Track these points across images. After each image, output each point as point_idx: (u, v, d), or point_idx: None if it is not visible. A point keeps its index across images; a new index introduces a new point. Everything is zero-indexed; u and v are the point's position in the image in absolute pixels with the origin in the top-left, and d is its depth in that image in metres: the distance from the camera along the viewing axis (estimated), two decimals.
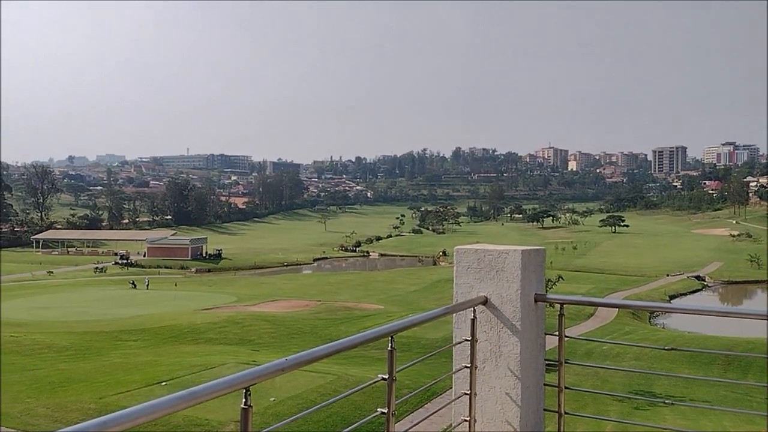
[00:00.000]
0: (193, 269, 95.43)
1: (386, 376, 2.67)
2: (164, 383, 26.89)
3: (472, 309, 3.45)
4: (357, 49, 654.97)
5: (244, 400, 1.96)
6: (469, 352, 3.46)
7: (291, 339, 40.60)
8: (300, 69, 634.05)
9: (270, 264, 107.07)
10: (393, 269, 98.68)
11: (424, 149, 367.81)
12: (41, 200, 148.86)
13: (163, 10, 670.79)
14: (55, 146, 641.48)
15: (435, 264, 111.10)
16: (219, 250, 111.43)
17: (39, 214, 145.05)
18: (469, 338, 3.44)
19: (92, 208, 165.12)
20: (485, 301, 3.48)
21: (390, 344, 2.66)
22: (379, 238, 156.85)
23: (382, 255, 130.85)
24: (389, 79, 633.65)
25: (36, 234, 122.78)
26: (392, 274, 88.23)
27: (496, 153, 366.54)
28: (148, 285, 68.66)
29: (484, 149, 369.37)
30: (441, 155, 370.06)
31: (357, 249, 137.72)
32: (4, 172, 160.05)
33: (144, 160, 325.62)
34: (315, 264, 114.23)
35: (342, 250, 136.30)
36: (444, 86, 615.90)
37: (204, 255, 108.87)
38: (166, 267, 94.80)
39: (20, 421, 21.98)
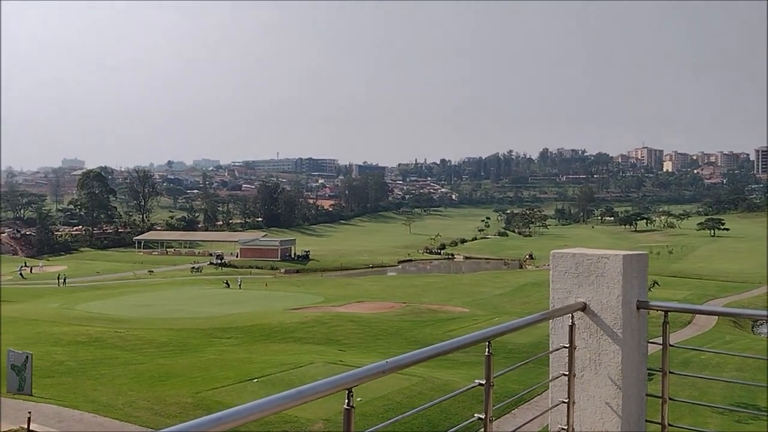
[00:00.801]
0: (283, 270, 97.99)
1: (483, 381, 2.64)
2: (256, 380, 27.76)
3: (570, 315, 3.36)
4: (440, 51, 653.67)
5: (346, 401, 2.00)
6: (566, 359, 3.37)
7: (376, 340, 40.94)
8: (385, 72, 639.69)
9: (356, 265, 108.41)
10: (478, 272, 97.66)
11: (510, 151, 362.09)
12: (143, 203, 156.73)
13: (255, 17, 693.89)
14: (156, 152, 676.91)
15: (521, 267, 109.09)
16: (307, 252, 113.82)
17: (141, 216, 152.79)
18: (567, 345, 3.36)
19: (189, 210, 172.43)
20: (584, 307, 3.39)
21: (487, 349, 2.64)
22: (463, 241, 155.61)
23: (467, 258, 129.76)
24: (473, 80, 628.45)
25: (138, 235, 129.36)
26: (477, 276, 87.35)
27: (585, 154, 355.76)
28: (240, 285, 71.09)
29: (573, 150, 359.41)
30: (527, 157, 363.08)
31: (442, 251, 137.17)
32: (109, 177, 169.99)
33: (237, 164, 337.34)
34: (400, 266, 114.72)
35: (426, 252, 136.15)
36: (531, 86, 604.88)
37: (292, 256, 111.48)
38: (257, 267, 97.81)
39: (123, 412, 23.26)
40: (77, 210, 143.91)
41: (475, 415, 2.66)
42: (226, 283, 72.52)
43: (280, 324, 44.34)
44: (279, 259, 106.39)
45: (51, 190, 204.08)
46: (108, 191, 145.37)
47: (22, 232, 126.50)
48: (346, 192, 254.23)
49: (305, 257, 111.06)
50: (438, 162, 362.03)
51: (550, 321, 3.45)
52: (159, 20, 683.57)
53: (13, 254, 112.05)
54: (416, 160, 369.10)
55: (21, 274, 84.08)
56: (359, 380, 2.02)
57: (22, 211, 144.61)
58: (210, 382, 27.86)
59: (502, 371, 2.94)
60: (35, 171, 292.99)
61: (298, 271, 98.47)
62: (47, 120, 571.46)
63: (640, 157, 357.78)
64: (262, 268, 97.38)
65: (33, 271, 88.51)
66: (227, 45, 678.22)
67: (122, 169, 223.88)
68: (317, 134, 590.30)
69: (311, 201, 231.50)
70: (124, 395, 25.71)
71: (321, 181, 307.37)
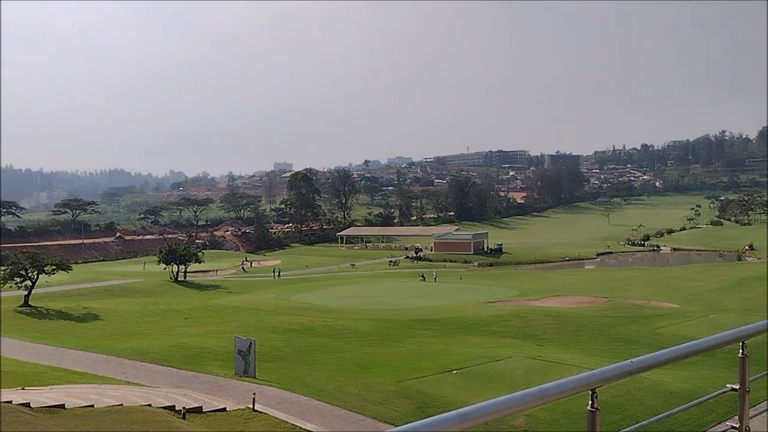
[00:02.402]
0: (476, 263, 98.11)
1: (737, 386, 2.40)
2: (455, 372, 28.14)
3: None
4: (645, 25, 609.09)
5: (590, 402, 1.94)
6: None
7: (577, 336, 39.40)
8: (573, 53, 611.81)
9: (551, 258, 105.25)
10: (687, 265, 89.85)
11: (723, 131, 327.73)
12: (344, 201, 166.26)
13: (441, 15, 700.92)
14: (354, 152, 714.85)
15: (740, 259, 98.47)
16: (499, 245, 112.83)
17: (342, 213, 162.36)
18: None
19: (385, 206, 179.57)
20: None
21: (741, 350, 2.40)
22: (670, 231, 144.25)
23: (674, 249, 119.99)
24: (673, 52, 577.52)
25: (340, 231, 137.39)
26: (687, 270, 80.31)
27: None
28: (435, 278, 72.51)
29: None
30: (744, 137, 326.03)
31: (645, 243, 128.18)
32: (314, 178, 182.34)
33: (428, 160, 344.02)
34: (598, 259, 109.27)
35: (628, 244, 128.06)
36: (744, 55, 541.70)
37: (485, 249, 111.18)
38: (451, 261, 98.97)
39: (334, 397, 24.84)
40: (287, 209, 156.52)
41: (727, 422, 2.44)
42: (422, 276, 74.34)
43: (476, 317, 44.47)
44: (472, 252, 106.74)
45: (265, 191, 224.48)
46: (313, 191, 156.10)
47: (243, 230, 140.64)
48: (539, 183, 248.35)
49: (498, 250, 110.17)
50: (638, 147, 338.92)
51: None
52: (348, 23, 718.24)
53: (236, 250, 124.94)
54: (614, 147, 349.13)
55: (243, 268, 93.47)
56: (604, 380, 1.95)
57: (242, 211, 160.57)
58: (411, 371, 28.77)
59: (759, 374, 2.66)
60: (251, 174, 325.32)
61: (491, 265, 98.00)
62: (261, 127, 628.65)
63: None
64: (455, 262, 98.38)
65: (252, 265, 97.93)
66: (418, 46, 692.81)
67: (325, 170, 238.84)
68: (507, 126, 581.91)
69: (502, 194, 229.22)
70: (334, 381, 27.48)
71: (512, 173, 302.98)
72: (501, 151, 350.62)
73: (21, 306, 48.58)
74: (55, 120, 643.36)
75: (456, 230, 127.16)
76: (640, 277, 73.11)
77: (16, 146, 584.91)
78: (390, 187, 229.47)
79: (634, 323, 42.67)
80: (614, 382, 2.04)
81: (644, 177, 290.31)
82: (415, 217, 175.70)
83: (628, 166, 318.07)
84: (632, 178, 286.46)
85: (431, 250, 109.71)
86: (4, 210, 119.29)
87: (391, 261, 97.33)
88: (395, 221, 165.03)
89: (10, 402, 17.66)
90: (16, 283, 49.74)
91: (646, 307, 49.30)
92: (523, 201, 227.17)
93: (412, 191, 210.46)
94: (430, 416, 1.59)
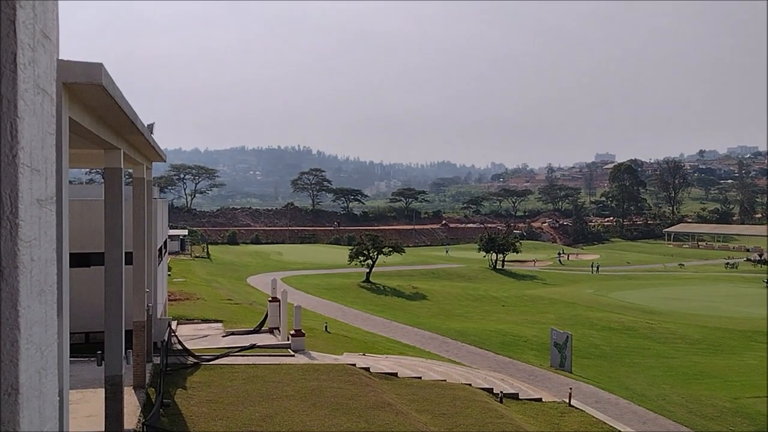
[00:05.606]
0: None
1: None
2: None
3: None
4: None
5: None
6: None
7: None
8: None
9: None
10: None
11: None
12: (672, 194, 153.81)
13: None
14: (686, 142, 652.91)
15: None
16: None
17: (670, 208, 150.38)
18: None
19: (722, 202, 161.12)
20: None
21: None
22: None
23: None
24: None
25: (667, 227, 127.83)
26: None
27: None
28: None
29: None
30: None
31: None
32: (639, 169, 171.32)
33: None
34: None
35: None
36: None
37: None
38: None
39: (657, 404, 23.29)
40: (608, 202, 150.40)
41: None
42: (767, 282, 64.83)
43: None
44: None
45: (585, 183, 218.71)
46: (638, 183, 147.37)
47: (560, 222, 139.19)
48: None
49: None
50: None
51: None
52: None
53: (552, 242, 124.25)
54: None
55: (560, 260, 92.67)
56: None
57: (560, 203, 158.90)
58: (750, 389, 25.55)
59: None
60: (571, 166, 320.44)
61: None
62: (581, 118, 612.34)
63: None
64: None
65: (569, 258, 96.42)
66: None
67: (652, 161, 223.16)
68: None
69: None
70: (657, 387, 25.76)
71: None
72: None
73: (363, 282, 55.72)
74: (392, 118, 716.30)
75: None
76: None
77: (362, 142, 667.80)
78: (729, 180, 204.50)
79: None
80: None
81: None
82: (759, 215, 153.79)
83: None
84: None
85: None
86: (352, 197, 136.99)
87: (728, 263, 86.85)
88: (734, 218, 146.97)
89: (354, 365, 20.38)
90: (360, 261, 57.11)
91: None
92: None
93: (756, 185, 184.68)
94: None
